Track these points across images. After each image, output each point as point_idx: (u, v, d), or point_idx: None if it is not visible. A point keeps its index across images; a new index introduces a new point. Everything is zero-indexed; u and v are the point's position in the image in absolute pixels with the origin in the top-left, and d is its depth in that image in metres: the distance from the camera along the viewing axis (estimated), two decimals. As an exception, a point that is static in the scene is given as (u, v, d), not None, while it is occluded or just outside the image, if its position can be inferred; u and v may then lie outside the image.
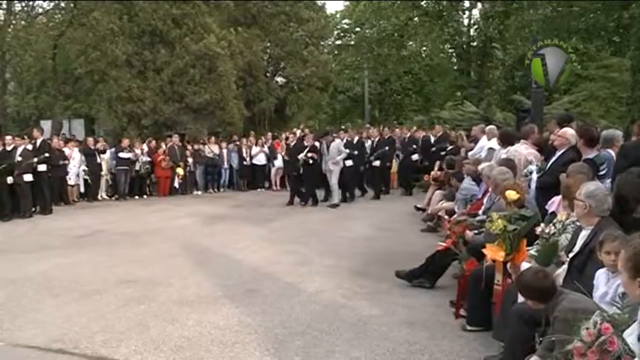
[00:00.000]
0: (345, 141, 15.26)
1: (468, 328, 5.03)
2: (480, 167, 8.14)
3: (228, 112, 21.25)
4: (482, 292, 4.87)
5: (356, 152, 15.39)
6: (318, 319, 5.39)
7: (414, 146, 16.59)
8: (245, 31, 24.21)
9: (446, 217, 8.88)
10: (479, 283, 4.86)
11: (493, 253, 4.61)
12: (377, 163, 15.60)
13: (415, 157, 16.26)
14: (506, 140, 8.01)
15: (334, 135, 15.31)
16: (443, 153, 14.90)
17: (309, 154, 13.75)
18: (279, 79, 28.70)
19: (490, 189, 6.52)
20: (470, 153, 10.39)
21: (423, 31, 30.66)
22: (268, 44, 26.86)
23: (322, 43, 29.05)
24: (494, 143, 8.92)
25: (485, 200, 6.77)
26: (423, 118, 27.65)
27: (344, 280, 6.79)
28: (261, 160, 17.95)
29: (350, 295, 6.15)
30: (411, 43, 33.76)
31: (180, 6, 20.50)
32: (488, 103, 19.53)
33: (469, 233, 5.93)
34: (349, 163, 14.42)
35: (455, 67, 31.56)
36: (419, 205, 11.88)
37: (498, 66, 28.51)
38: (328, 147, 13.95)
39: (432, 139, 16.70)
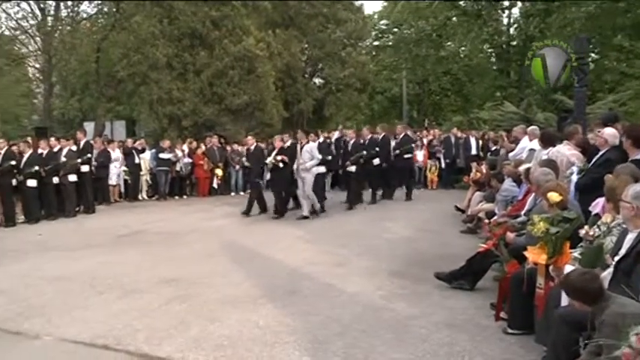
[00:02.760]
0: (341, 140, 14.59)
1: (509, 331, 4.96)
2: (520, 168, 8.04)
3: (266, 113, 21.41)
4: (523, 295, 4.79)
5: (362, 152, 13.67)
6: (358, 320, 5.38)
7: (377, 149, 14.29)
8: (283, 32, 24.36)
9: (486, 219, 8.76)
10: (520, 286, 4.79)
11: (535, 255, 4.54)
12: (352, 168, 13.64)
13: (376, 161, 14.05)
14: (548, 141, 7.88)
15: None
16: (407, 156, 14.89)
17: (279, 157, 12.27)
18: (318, 80, 28.79)
19: (532, 190, 6.43)
20: (511, 154, 10.25)
21: (461, 30, 30.35)
22: (306, 45, 26.98)
23: (360, 43, 29.06)
24: (535, 144, 8.78)
25: (527, 202, 6.67)
26: (461, 119, 27.38)
27: (383, 281, 6.77)
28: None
29: (389, 297, 6.12)
30: (449, 43, 33.46)
31: (220, 8, 20.71)
32: (528, 103, 19.20)
33: (510, 235, 5.84)
34: (322, 169, 12.83)
35: (494, 67, 31.15)
36: (459, 206, 11.75)
37: (539, 65, 28.02)
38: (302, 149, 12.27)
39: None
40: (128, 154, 15.86)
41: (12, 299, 6.36)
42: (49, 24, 24.73)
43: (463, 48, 34.43)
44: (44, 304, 6.17)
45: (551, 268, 4.46)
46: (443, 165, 17.50)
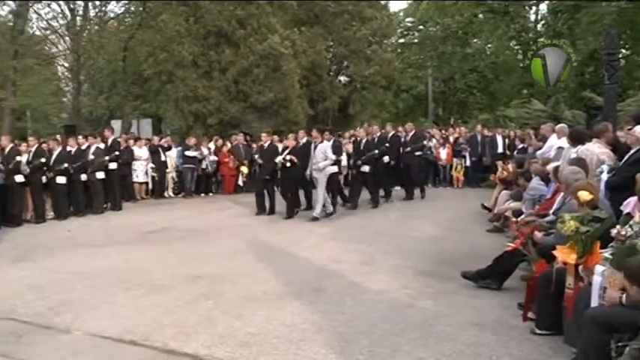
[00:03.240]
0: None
1: (537, 331, 4.90)
2: (548, 167, 7.94)
3: (292, 111, 21.45)
4: (552, 295, 4.73)
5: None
6: (384, 318, 5.36)
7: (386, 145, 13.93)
8: (308, 30, 24.38)
9: (513, 218, 8.67)
10: (549, 286, 4.73)
11: (564, 255, 4.48)
12: (366, 168, 13.15)
13: (386, 159, 13.68)
14: (577, 139, 7.76)
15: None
16: (418, 153, 14.63)
17: (288, 157, 12.01)
18: (343, 78, 28.77)
19: (561, 189, 6.34)
20: (538, 152, 10.13)
21: (488, 28, 30.12)
22: (331, 43, 26.97)
23: (386, 41, 28.96)
24: (564, 142, 8.66)
25: (556, 201, 6.58)
26: (488, 117, 27.17)
27: (409, 279, 6.73)
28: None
29: (415, 295, 6.09)
30: (475, 40, 33.24)
31: (245, 7, 20.79)
32: (556, 100, 18.95)
33: (538, 234, 5.77)
34: (334, 169, 12.12)
35: (521, 65, 30.82)
36: (486, 204, 11.65)
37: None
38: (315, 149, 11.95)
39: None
40: (154, 152, 15.99)
41: (43, 294, 6.47)
42: (78, 24, 25.11)
43: (489, 45, 34.17)
44: (73, 299, 6.26)
45: (580, 268, 4.40)
46: (468, 163, 17.36)
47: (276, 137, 14.25)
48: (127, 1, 26.21)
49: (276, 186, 13.02)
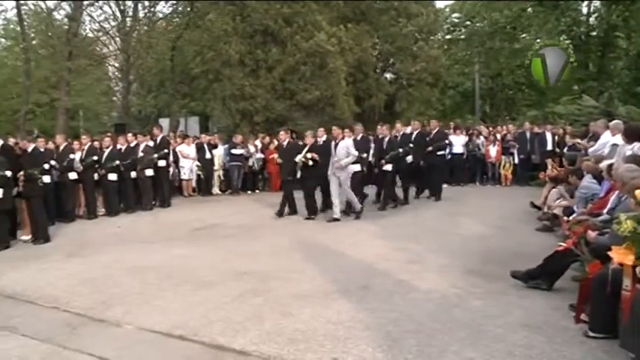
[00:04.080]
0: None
1: (591, 334, 4.75)
2: (602, 165, 7.73)
3: (338, 109, 21.43)
4: (607, 296, 4.59)
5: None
6: (432, 317, 5.30)
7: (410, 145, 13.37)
8: (354, 27, 24.31)
9: (564, 217, 8.47)
10: (604, 287, 4.58)
11: (621, 256, 4.34)
12: (388, 167, 12.52)
13: (409, 158, 13.18)
14: (633, 135, 7.53)
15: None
16: (440, 153, 14.24)
17: (309, 155, 11.53)
18: (389, 75, 28.62)
19: (615, 188, 6.16)
20: (591, 150, 9.87)
21: (537, 22, 29.36)
22: (377, 40, 26.84)
23: (432, 37, 28.71)
24: (618, 139, 8.41)
25: (610, 200, 6.39)
26: (536, 113, 26.59)
27: (457, 278, 6.64)
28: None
29: (464, 295, 6.00)
30: (524, 35, 32.48)
31: (291, 5, 20.87)
32: (609, 96, 18.42)
33: (592, 234, 5.60)
34: (357, 168, 11.69)
35: (572, 59, 30.07)
36: (535, 203, 11.42)
37: (621, 56, 26.83)
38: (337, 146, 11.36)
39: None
40: (201, 150, 16.18)
41: (95, 288, 6.62)
42: (128, 25, 25.65)
43: (539, 40, 33.40)
44: (124, 293, 6.39)
45: (638, 269, 4.26)
46: (517, 161, 17.04)
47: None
48: (175, 2, 26.64)
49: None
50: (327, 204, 11.94)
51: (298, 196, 12.14)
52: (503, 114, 34.22)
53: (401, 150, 12.67)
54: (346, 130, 11.89)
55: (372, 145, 13.31)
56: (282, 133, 13.09)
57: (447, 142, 15.06)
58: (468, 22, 34.28)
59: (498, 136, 17.60)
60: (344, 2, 25.05)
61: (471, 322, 5.16)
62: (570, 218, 7.57)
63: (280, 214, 11.99)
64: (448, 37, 34.87)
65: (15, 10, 24.43)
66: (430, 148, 13.93)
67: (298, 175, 11.93)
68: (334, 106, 21.32)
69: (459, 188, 16.50)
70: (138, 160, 13.27)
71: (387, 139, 12.83)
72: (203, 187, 16.38)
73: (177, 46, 24.85)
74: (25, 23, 25.21)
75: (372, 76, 25.95)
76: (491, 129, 18.96)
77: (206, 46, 21.89)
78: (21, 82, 25.05)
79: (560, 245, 6.07)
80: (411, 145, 13.22)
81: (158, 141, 14.18)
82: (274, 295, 6.16)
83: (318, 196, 12.18)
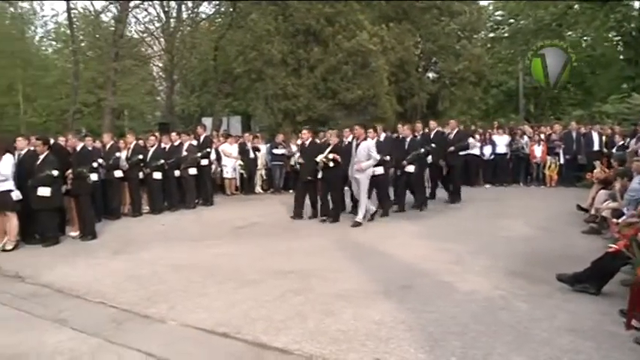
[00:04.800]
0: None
1: (642, 341, 4.63)
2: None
3: (380, 108, 21.37)
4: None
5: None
6: (475, 319, 5.24)
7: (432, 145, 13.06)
8: (397, 26, 24.19)
9: (613, 219, 8.27)
10: (656, 292, 4.46)
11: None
12: (411, 168, 12.17)
13: (429, 159, 13.04)
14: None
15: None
16: (462, 153, 13.82)
17: (331, 156, 11.02)
18: (431, 74, 28.41)
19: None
20: (641, 150, 9.63)
21: (584, 19, 28.70)
22: (420, 39, 26.64)
23: (475, 36, 28.37)
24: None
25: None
26: (582, 113, 26.01)
27: (501, 280, 6.54)
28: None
29: (508, 297, 5.90)
30: (570, 32, 31.83)
31: (333, 5, 20.88)
32: (661, 95, 17.92)
33: (644, 236, 5.46)
34: (379, 170, 11.29)
35: (621, 57, 29.24)
36: (582, 204, 11.17)
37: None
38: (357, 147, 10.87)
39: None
40: (243, 149, 16.31)
41: (140, 285, 6.76)
42: (172, 26, 26.06)
43: (586, 37, 32.65)
44: (168, 290, 6.50)
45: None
46: (562, 161, 16.69)
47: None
48: (217, 2, 26.96)
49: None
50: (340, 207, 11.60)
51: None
52: (548, 113, 33.56)
53: (422, 150, 12.38)
54: (370, 131, 11.54)
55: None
56: (304, 132, 12.59)
57: (467, 142, 14.64)
58: (512, 20, 33.76)
59: (543, 136, 17.27)
60: (386, 1, 24.96)
61: (516, 325, 5.09)
62: (619, 221, 7.39)
63: (298, 216, 11.73)
64: (491, 35, 34.37)
65: (65, 14, 25.09)
66: (452, 149, 13.49)
67: (319, 175, 11.42)
68: (376, 105, 21.26)
69: (502, 189, 16.27)
70: (182, 159, 13.45)
71: (408, 139, 12.49)
72: (245, 185, 16.51)
73: (220, 46, 25.12)
74: (74, 26, 25.86)
75: (415, 75, 25.78)
76: (535, 129, 18.62)
77: (248, 46, 22.08)
78: (70, 83, 25.68)
79: (611, 247, 5.92)
80: (433, 144, 12.91)
81: (201, 140, 14.34)
82: (316, 294, 6.17)
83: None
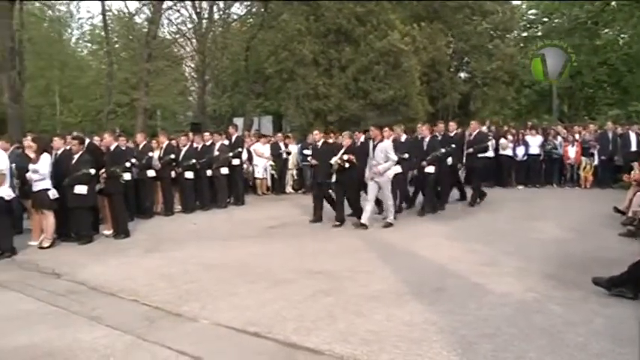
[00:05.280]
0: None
1: (682, 347, 4.50)
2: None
3: (412, 108, 21.28)
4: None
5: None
6: (508, 322, 5.15)
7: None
8: (428, 26, 24.06)
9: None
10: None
11: None
12: (431, 169, 11.85)
13: (450, 160, 12.63)
14: None
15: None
16: (481, 155, 13.41)
17: (345, 157, 10.58)
18: (463, 74, 28.20)
19: None
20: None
21: (621, 16, 28.15)
22: (452, 39, 26.46)
23: (508, 35, 28.07)
24: None
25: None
26: (618, 112, 25.51)
27: (535, 283, 6.42)
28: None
29: (542, 300, 5.79)
30: (606, 30, 31.24)
31: (365, 4, 20.83)
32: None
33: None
34: (397, 169, 11.03)
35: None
36: (619, 207, 10.94)
37: None
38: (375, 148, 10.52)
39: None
40: (275, 149, 16.37)
41: (172, 283, 6.82)
42: (204, 27, 26.31)
43: (623, 35, 32.02)
44: (200, 289, 6.54)
45: None
46: (597, 162, 16.39)
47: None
48: (249, 3, 27.12)
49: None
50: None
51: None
52: (582, 113, 33.00)
53: (443, 151, 12.05)
54: (385, 130, 11.24)
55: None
56: (316, 132, 12.25)
57: (487, 144, 14.26)
58: (546, 19, 33.32)
59: (577, 137, 16.99)
60: (417, 1, 24.85)
61: (550, 329, 4.99)
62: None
63: (318, 219, 11.29)
64: (524, 34, 33.97)
65: (100, 17, 25.52)
66: (471, 150, 13.22)
67: (333, 178, 11.02)
68: (408, 105, 21.17)
69: (535, 190, 16.07)
70: (214, 159, 13.55)
71: (427, 139, 12.13)
72: (277, 186, 16.57)
73: (251, 47, 25.28)
74: (109, 28, 26.29)
75: (446, 75, 25.63)
76: (569, 129, 18.33)
77: (280, 46, 22.16)
78: (104, 84, 26.10)
79: (649, 250, 5.78)
80: (453, 145, 12.65)
81: (233, 140, 14.43)
82: (347, 294, 6.15)
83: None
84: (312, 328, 5.13)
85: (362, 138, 12.10)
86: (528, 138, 16.82)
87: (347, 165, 10.54)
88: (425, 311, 5.49)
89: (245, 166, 15.40)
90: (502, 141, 16.61)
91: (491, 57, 25.55)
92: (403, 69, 20.78)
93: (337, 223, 10.84)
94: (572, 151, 16.48)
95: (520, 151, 16.70)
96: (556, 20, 31.85)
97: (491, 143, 15.79)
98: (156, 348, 4.80)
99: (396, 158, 10.52)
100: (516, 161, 16.78)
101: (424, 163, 11.82)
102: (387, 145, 10.47)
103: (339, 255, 8.26)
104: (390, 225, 10.47)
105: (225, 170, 13.70)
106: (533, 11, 34.71)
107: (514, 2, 30.08)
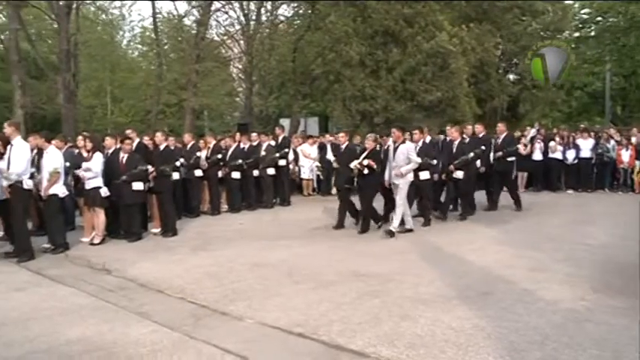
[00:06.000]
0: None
1: None
2: None
3: (459, 110, 21.00)
4: None
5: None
6: (558, 330, 5.03)
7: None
8: (477, 27, 23.70)
9: None
10: None
11: None
12: (459, 174, 11.44)
13: (478, 164, 12.12)
14: None
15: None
16: (510, 159, 12.94)
17: (365, 162, 9.97)
18: (512, 76, 27.73)
19: None
20: None
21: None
22: (500, 40, 26.04)
23: (559, 36, 27.42)
24: None
25: None
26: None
27: (585, 290, 6.25)
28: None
29: (593, 308, 5.63)
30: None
31: (412, 5, 20.68)
32: None
33: None
34: (424, 175, 10.69)
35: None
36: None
37: None
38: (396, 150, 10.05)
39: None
40: (322, 150, 16.39)
41: (219, 282, 6.91)
42: (252, 28, 26.57)
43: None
44: (246, 288, 6.60)
45: None
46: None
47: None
48: (296, 4, 27.23)
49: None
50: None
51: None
52: (637, 115, 32.04)
53: (472, 154, 11.52)
54: (415, 132, 11.11)
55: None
56: (341, 135, 11.55)
57: (516, 147, 13.64)
58: (599, 18, 32.43)
59: (633, 140, 16.48)
60: (466, 2, 24.54)
61: (602, 340, 4.83)
62: None
63: (339, 226, 10.78)
64: (576, 34, 33.15)
65: (151, 19, 26.03)
66: (499, 154, 12.76)
67: (355, 183, 10.69)
68: (455, 107, 20.91)
69: (586, 195, 15.69)
70: (260, 159, 13.66)
71: (456, 142, 11.70)
72: (323, 186, 16.59)
73: (298, 48, 25.36)
74: (159, 30, 26.80)
75: (495, 77, 25.23)
76: (624, 132, 17.81)
77: (327, 48, 22.17)
78: (153, 85, 26.58)
79: None
80: (483, 147, 12.12)
81: (280, 140, 14.52)
82: (392, 297, 6.11)
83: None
84: (357, 330, 5.12)
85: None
86: (579, 141, 16.43)
87: (366, 170, 9.94)
88: (473, 316, 5.41)
89: (291, 166, 15.47)
90: (551, 144, 16.28)
91: (541, 58, 25.04)
92: (451, 70, 20.53)
93: (361, 230, 10.30)
94: (625, 155, 16.02)
95: (570, 154, 16.32)
96: (611, 19, 30.98)
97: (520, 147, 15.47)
98: (202, 345, 4.86)
99: (418, 160, 10.04)
100: (566, 165, 16.40)
101: (452, 167, 11.45)
102: (408, 146, 10.07)
103: (384, 257, 8.23)
104: (391, 234, 9.76)
105: (271, 171, 13.79)
106: (586, 10, 33.80)
107: (566, 2, 29.34)
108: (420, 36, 20.42)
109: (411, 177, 10.06)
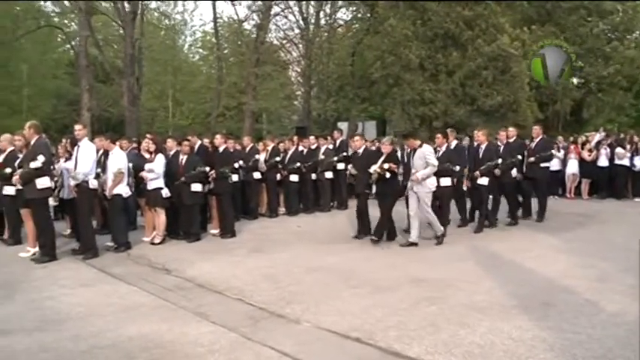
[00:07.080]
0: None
1: None
2: None
3: (520, 115, 20.56)
4: None
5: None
6: (622, 344, 4.82)
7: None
8: (539, 29, 23.19)
9: None
10: None
11: None
12: (484, 180, 10.76)
13: (514, 172, 11.60)
14: None
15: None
16: (544, 165, 12.26)
17: (386, 166, 9.37)
18: (576, 80, 26.93)
19: None
20: None
21: None
22: (564, 42, 25.36)
23: (628, 37, 26.47)
24: None
25: None
26: None
27: (652, 302, 6.02)
28: (554, 165, 16.73)
29: (660, 321, 5.42)
30: None
31: (473, 8, 20.40)
32: None
33: None
34: (445, 182, 10.17)
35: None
36: None
37: None
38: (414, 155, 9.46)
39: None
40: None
41: (276, 284, 6.96)
42: (311, 32, 26.75)
43: None
44: (303, 291, 6.63)
45: None
46: None
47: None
48: (354, 8, 27.26)
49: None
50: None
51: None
52: None
53: (499, 160, 10.79)
54: (438, 136, 10.77)
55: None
56: (356, 138, 11.18)
57: (551, 152, 12.89)
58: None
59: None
60: (528, 3, 24.03)
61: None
62: None
63: (360, 233, 10.34)
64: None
65: (212, 24, 26.59)
66: (532, 159, 12.03)
67: (374, 189, 10.03)
68: (516, 112, 20.49)
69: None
70: (318, 163, 13.69)
71: (483, 146, 10.99)
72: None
73: (357, 52, 25.41)
74: (219, 34, 27.30)
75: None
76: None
77: (386, 51, 22.05)
78: (214, 88, 27.06)
79: None
80: (519, 157, 11.52)
81: (338, 144, 14.52)
82: (450, 304, 6.01)
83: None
84: (414, 336, 5.06)
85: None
86: (648, 147, 15.83)
87: (388, 174, 9.34)
88: (533, 327, 5.26)
89: (349, 170, 15.43)
90: (618, 150, 15.73)
91: (608, 61, 24.26)
92: (512, 74, 20.16)
93: (375, 238, 9.68)
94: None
95: (638, 161, 15.72)
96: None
97: (559, 153, 15.23)
98: (259, 347, 4.90)
99: (436, 163, 9.34)
100: (634, 172, 15.81)
101: (477, 173, 10.80)
102: (426, 150, 9.37)
103: (442, 263, 8.12)
104: (413, 244, 9.35)
105: (329, 174, 13.79)
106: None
107: (637, 1, 28.28)
108: (480, 39, 20.15)
109: (432, 186, 9.44)
